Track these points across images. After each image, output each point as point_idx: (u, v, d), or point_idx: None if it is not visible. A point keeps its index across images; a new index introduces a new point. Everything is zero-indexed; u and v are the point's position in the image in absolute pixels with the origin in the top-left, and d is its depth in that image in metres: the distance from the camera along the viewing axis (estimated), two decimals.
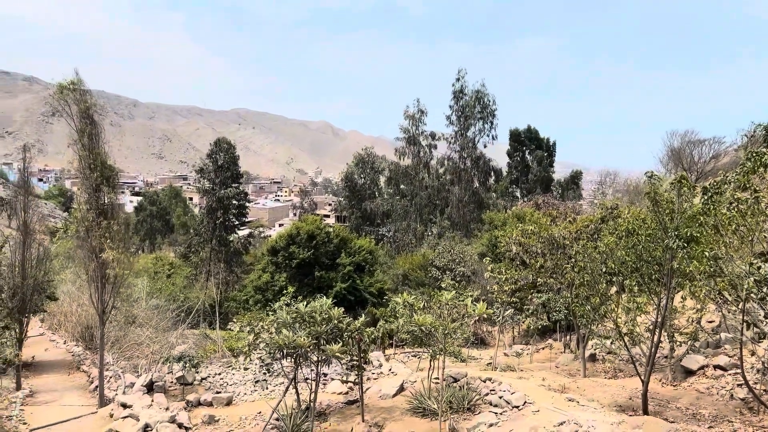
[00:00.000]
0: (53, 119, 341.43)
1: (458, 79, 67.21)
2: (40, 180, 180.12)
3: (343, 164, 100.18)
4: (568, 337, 29.53)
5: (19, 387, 19.39)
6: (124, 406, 16.38)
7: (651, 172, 14.28)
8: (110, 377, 20.06)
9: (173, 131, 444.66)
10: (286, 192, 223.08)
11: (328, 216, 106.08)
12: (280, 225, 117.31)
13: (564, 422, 12.33)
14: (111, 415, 16.38)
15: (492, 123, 67.00)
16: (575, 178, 73.28)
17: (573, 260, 19.82)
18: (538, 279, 23.02)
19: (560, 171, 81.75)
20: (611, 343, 21.19)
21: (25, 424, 15.70)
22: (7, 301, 19.64)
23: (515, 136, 73.59)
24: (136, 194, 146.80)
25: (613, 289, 17.23)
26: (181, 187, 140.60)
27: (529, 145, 73.13)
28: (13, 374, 19.78)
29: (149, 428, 14.60)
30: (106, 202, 16.81)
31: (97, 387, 18.61)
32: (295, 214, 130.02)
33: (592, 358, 22.76)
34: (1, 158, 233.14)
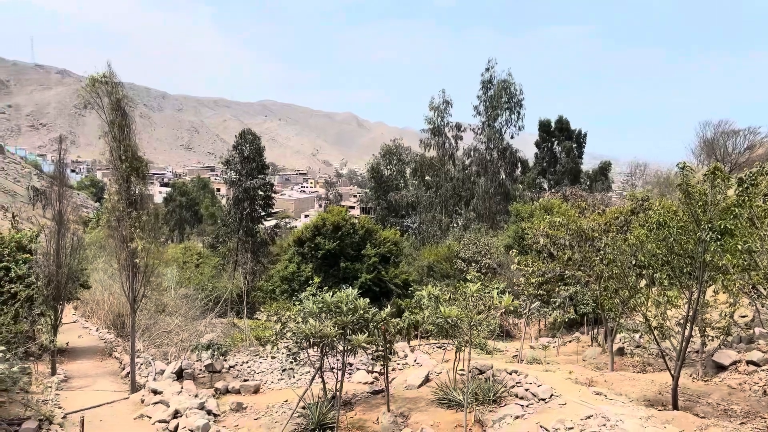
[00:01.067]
0: (85, 111, 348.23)
1: (488, 69, 66.47)
2: (73, 171, 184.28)
3: (367, 156, 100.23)
4: (595, 331, 29.17)
5: (54, 372, 19.94)
6: (155, 392, 16.75)
7: (683, 162, 13.96)
8: (141, 364, 20.51)
9: (201, 123, 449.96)
10: (311, 183, 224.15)
11: (352, 207, 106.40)
12: (306, 216, 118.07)
13: (591, 416, 12.21)
14: (142, 401, 16.77)
15: (519, 113, 66.21)
16: (604, 170, 71.94)
17: (602, 253, 19.54)
18: (566, 271, 22.76)
19: (588, 162, 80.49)
20: (640, 336, 20.95)
21: (60, 408, 16.14)
22: (43, 288, 20.14)
23: (545, 127, 72.26)
24: (165, 185, 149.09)
25: (643, 282, 16.95)
26: (209, 178, 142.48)
27: (559, 135, 71.84)
28: (49, 359, 20.34)
29: (179, 414, 14.91)
30: (136, 192, 17.11)
31: (128, 373, 19.04)
32: (320, 206, 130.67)
33: (620, 351, 22.46)
34: (35, 150, 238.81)
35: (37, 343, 20.46)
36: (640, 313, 15.12)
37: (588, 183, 68.90)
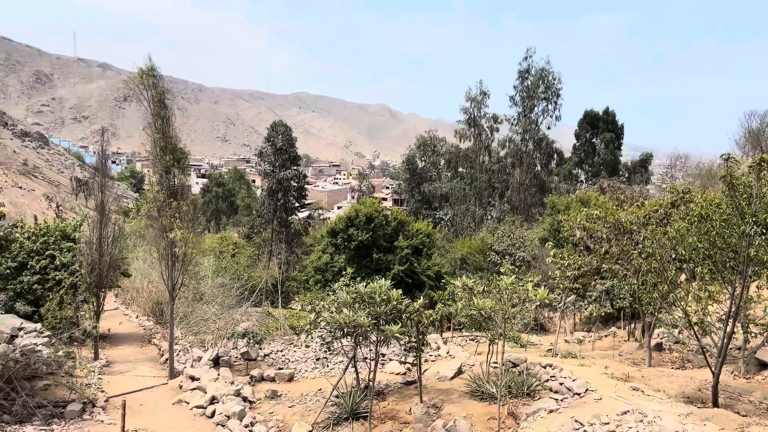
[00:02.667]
0: (125, 104, 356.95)
1: (526, 58, 65.38)
2: (114, 162, 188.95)
3: (400, 147, 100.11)
4: (632, 325, 28.62)
5: (96, 357, 20.58)
6: (193, 378, 17.16)
7: (728, 154, 13.56)
8: (179, 351, 21.00)
9: (236, 115, 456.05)
10: (344, 175, 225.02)
11: (385, 199, 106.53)
12: (339, 208, 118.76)
13: (628, 411, 12.01)
14: (180, 387, 17.20)
15: (556, 103, 65.03)
16: (645, 162, 69.91)
17: (640, 246, 19.12)
18: (603, 265, 22.36)
19: (625, 153, 78.56)
20: (679, 332, 20.44)
21: (102, 392, 16.68)
22: (86, 276, 20.76)
23: (590, 118, 70.38)
24: (202, 176, 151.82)
25: (683, 277, 16.55)
26: (245, 169, 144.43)
27: (603, 127, 69.97)
28: (92, 345, 21.00)
29: (216, 400, 15.25)
30: (176, 183, 17.48)
31: (167, 360, 19.54)
32: (353, 197, 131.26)
33: (658, 347, 21.98)
34: (78, 141, 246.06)
35: (81, 328, 21.10)
36: (679, 308, 14.78)
37: (627, 175, 67.31)
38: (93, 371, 18.42)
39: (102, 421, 14.19)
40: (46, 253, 24.04)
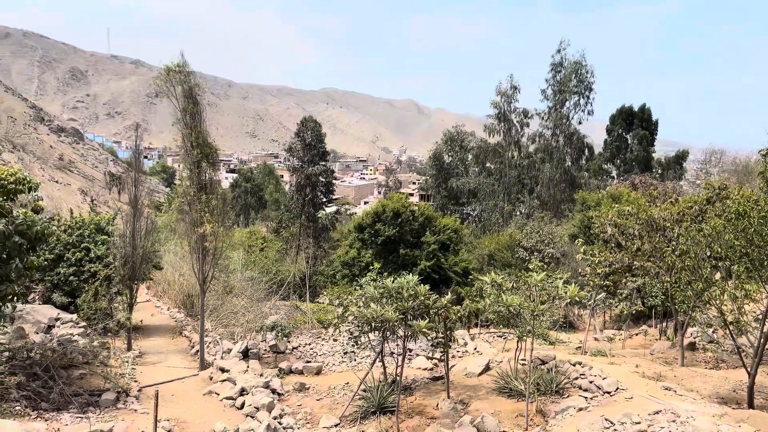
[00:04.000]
0: (156, 100, 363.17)
1: (559, 51, 64.08)
2: (145, 157, 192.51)
3: (427, 142, 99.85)
4: (664, 324, 28.06)
5: (130, 348, 21.04)
6: (222, 370, 17.43)
7: (766, 149, 13.15)
8: (209, 343, 21.32)
9: (265, 111, 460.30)
10: (371, 170, 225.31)
11: (412, 194, 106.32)
12: (365, 203, 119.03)
13: (660, 411, 11.81)
14: (210, 378, 17.49)
15: (588, 97, 63.83)
16: (679, 159, 68.10)
17: (674, 243, 18.72)
18: (634, 262, 21.95)
19: (658, 149, 76.87)
20: (713, 331, 19.98)
21: (135, 381, 17.05)
22: (120, 268, 21.23)
23: (624, 115, 68.77)
24: (232, 171, 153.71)
25: (718, 275, 16.15)
26: (273, 164, 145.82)
27: (637, 124, 68.35)
28: (125, 336, 21.48)
29: (245, 392, 15.46)
30: (206, 177, 17.73)
31: (197, 351, 19.87)
32: (379, 192, 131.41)
33: (692, 346, 21.53)
34: (111, 137, 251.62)
35: (115, 320, 21.60)
36: (714, 307, 14.44)
37: (660, 171, 65.85)
38: (126, 361, 18.85)
39: (135, 410, 14.52)
40: (82, 245, 24.66)
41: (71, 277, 23.93)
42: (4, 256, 14.13)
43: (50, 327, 20.59)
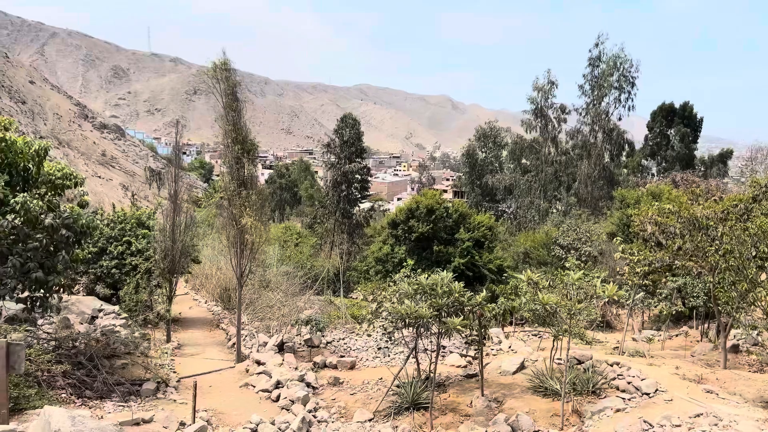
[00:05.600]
0: (195, 97, 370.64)
1: (597, 45, 62.86)
2: (184, 153, 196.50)
3: (461, 138, 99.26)
4: (706, 325, 27.28)
5: (168, 339, 21.55)
6: (258, 363, 17.70)
7: None
8: (246, 336, 21.68)
9: (300, 107, 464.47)
10: (404, 167, 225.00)
11: (445, 191, 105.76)
12: (399, 199, 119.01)
13: (701, 414, 11.50)
14: (247, 371, 17.78)
15: (630, 92, 62.38)
16: (724, 157, 65.90)
17: (717, 242, 18.17)
18: (675, 262, 21.38)
19: (701, 146, 74.66)
20: (758, 333, 19.35)
21: (174, 372, 17.47)
22: (160, 262, 21.75)
23: (665, 112, 66.92)
24: (268, 167, 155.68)
25: (764, 276, 15.61)
26: (308, 161, 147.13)
27: (678, 122, 66.45)
28: (164, 327, 22.01)
29: (280, 385, 15.68)
30: (245, 173, 18.02)
31: (234, 344, 20.23)
32: (413, 189, 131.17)
33: (735, 349, 20.86)
34: (151, 133, 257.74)
35: (155, 312, 22.14)
36: (759, 308, 13.98)
37: (703, 170, 63.95)
38: (166, 353, 19.30)
39: (174, 400, 14.87)
40: (123, 239, 25.35)
41: (113, 270, 24.61)
42: (52, 248, 14.62)
43: (94, 318, 21.23)
